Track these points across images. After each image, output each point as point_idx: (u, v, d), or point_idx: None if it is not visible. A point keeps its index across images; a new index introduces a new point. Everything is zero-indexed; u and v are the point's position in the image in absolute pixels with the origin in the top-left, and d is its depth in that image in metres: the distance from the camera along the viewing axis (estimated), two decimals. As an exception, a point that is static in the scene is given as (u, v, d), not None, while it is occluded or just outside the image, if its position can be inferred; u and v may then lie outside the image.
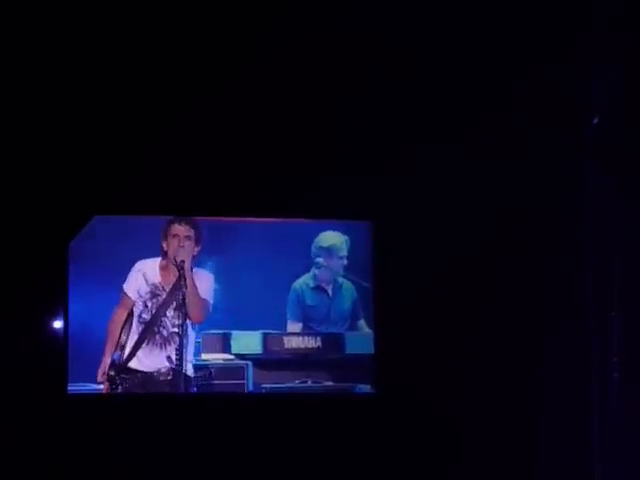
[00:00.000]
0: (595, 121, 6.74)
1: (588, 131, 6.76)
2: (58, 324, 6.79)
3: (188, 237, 6.90)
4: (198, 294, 6.88)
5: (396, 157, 7.06)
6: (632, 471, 6.55)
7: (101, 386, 6.79)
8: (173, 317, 6.86)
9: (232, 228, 7.07)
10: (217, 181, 6.88)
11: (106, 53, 6.59)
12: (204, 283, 6.94)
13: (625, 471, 6.57)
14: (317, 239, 7.19)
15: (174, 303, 6.85)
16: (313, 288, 7.21)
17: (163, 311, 6.89)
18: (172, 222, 6.92)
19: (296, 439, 6.86)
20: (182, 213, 6.96)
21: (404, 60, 6.88)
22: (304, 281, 7.19)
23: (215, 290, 6.99)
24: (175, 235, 6.89)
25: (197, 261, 6.95)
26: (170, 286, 6.88)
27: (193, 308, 6.86)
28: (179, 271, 6.82)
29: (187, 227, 6.91)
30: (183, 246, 6.88)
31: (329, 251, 7.20)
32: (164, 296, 6.89)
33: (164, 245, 6.92)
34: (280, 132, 6.92)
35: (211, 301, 6.96)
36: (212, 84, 6.73)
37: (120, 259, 6.88)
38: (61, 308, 6.77)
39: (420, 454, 6.99)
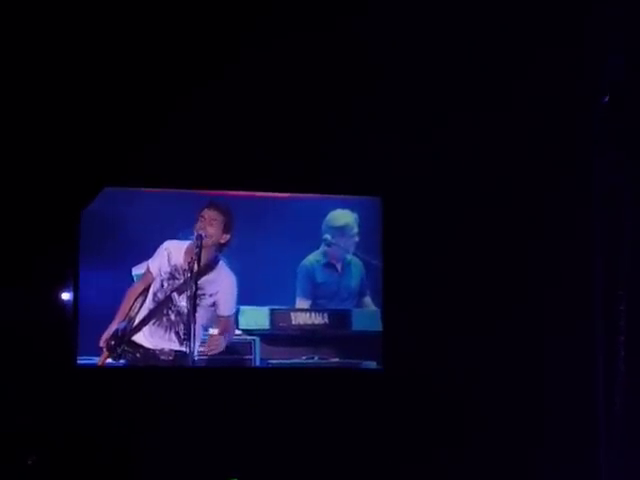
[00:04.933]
0: (605, 99, 6.75)
1: (598, 109, 6.76)
2: (68, 296, 6.81)
3: (214, 221, 6.91)
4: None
5: (406, 134, 7.06)
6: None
7: (109, 360, 6.83)
8: (184, 303, 6.87)
9: (240, 203, 7.07)
10: (226, 156, 6.89)
11: (123, 28, 6.62)
12: (227, 295, 6.98)
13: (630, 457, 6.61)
14: (328, 218, 7.20)
15: (189, 291, 6.85)
16: (324, 265, 7.22)
17: (177, 295, 6.90)
18: (205, 207, 6.94)
19: (302, 415, 6.90)
20: (190, 187, 6.98)
21: (415, 40, 6.88)
22: (314, 258, 7.20)
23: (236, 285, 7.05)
24: (202, 217, 6.92)
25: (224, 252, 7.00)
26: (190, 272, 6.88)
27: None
28: (197, 248, 6.83)
29: (215, 212, 6.92)
30: (204, 228, 6.89)
31: (342, 230, 7.21)
32: (181, 280, 6.90)
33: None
34: (290, 108, 6.93)
35: (233, 310, 7.03)
36: (226, 60, 6.76)
37: (132, 234, 6.91)
38: (72, 281, 6.78)
39: (425, 430, 7.01)
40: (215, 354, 6.97)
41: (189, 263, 6.84)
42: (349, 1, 6.71)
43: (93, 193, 6.78)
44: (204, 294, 6.90)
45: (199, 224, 6.90)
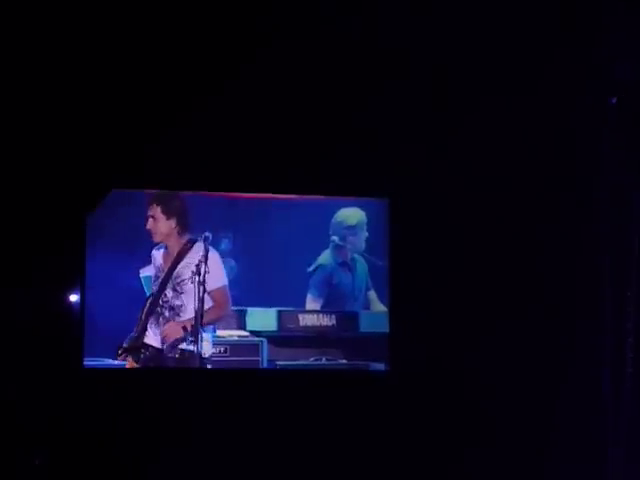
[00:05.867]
0: (613, 101, 6.75)
1: (605, 110, 6.76)
2: (75, 298, 6.83)
3: (155, 215, 6.94)
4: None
5: (413, 136, 7.06)
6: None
7: (116, 361, 6.84)
8: (172, 297, 6.93)
9: (250, 205, 7.08)
10: (235, 157, 6.89)
11: (130, 35, 6.66)
12: (215, 268, 6.97)
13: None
14: (340, 218, 7.21)
15: (171, 283, 6.93)
16: (340, 264, 7.22)
17: (163, 291, 6.95)
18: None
19: (310, 416, 6.89)
20: (199, 188, 7.00)
21: (422, 42, 6.89)
22: (331, 258, 7.21)
23: (231, 267, 7.05)
24: (146, 219, 6.94)
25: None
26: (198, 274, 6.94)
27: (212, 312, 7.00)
28: (205, 249, 6.89)
29: (151, 207, 6.94)
30: (149, 228, 6.94)
31: (355, 229, 7.22)
32: (162, 277, 6.96)
33: None
34: (299, 110, 6.93)
35: (223, 282, 7.01)
36: (233, 62, 6.78)
37: (139, 235, 6.92)
38: (78, 283, 6.80)
39: (433, 431, 7.01)
40: (217, 323, 7.01)
41: (197, 265, 6.88)
42: (354, 2, 6.72)
43: (101, 195, 6.80)
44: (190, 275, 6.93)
45: (147, 224, 6.92)
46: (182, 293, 6.94)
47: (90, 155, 6.74)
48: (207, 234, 6.91)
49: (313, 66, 6.89)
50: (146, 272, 6.95)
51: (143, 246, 6.94)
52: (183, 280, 6.94)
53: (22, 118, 6.63)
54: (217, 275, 6.99)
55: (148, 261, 6.96)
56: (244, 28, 6.74)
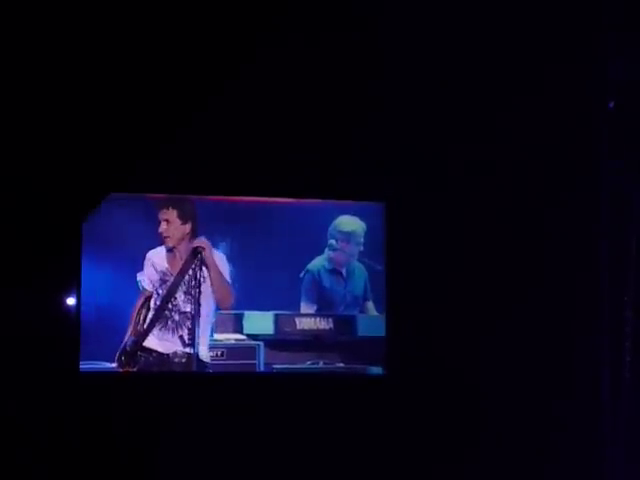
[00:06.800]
0: (611, 105, 6.76)
1: (603, 115, 6.77)
2: (71, 301, 6.81)
3: (169, 218, 6.91)
4: (224, 279, 6.97)
5: (410, 140, 7.06)
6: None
7: (114, 364, 6.82)
8: (184, 301, 6.91)
9: (246, 209, 7.07)
10: (233, 161, 6.89)
11: (128, 41, 6.66)
12: (222, 265, 6.98)
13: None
14: (337, 222, 7.20)
15: (183, 287, 6.90)
16: (329, 270, 7.21)
17: (172, 295, 6.92)
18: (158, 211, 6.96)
19: (307, 420, 6.88)
20: (197, 192, 6.98)
21: (419, 46, 6.89)
22: (320, 263, 7.19)
23: (230, 271, 7.04)
24: (159, 222, 6.92)
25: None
26: (177, 270, 6.91)
27: (220, 294, 6.95)
28: (196, 255, 6.87)
29: (165, 210, 6.91)
30: (161, 232, 6.91)
31: (349, 236, 7.21)
32: (172, 279, 6.92)
33: None
34: (296, 114, 6.93)
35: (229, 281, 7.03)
36: (230, 64, 6.77)
37: (134, 239, 6.90)
38: (74, 286, 6.78)
39: (430, 435, 7.00)
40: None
41: (193, 268, 6.86)
42: (353, 6, 6.72)
43: (98, 199, 6.79)
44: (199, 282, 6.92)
45: (160, 227, 6.90)
46: (194, 297, 6.90)
47: (88, 158, 6.72)
48: (203, 242, 6.91)
49: (310, 72, 6.89)
50: (143, 276, 6.93)
51: (140, 250, 6.90)
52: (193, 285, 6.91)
53: (23, 119, 6.62)
54: (223, 276, 6.98)
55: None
56: (244, 34, 6.74)
